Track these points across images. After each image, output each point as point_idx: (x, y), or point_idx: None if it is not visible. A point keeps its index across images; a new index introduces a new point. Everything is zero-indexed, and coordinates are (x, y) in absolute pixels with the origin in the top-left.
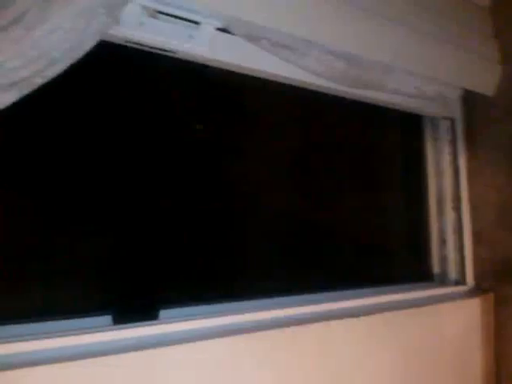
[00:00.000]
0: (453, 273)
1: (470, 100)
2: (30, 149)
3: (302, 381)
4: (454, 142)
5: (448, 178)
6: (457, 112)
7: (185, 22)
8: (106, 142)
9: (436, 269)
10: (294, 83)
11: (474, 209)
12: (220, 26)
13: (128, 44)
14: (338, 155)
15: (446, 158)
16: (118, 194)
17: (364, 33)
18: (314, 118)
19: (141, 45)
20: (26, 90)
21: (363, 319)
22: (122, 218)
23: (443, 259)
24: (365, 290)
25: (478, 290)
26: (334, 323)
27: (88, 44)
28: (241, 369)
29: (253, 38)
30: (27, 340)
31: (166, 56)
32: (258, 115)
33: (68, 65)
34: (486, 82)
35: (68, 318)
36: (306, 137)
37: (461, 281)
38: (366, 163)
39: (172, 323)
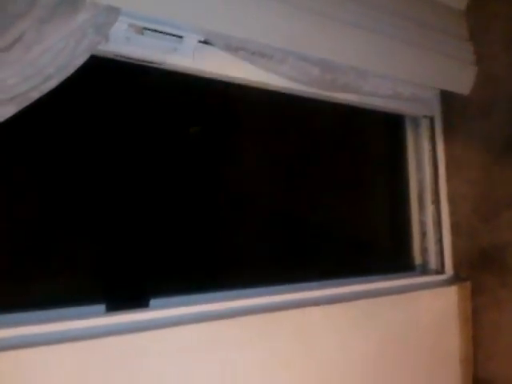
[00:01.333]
0: (433, 263)
1: (447, 98)
2: (28, 155)
3: (284, 364)
4: (433, 139)
5: (428, 173)
6: (436, 110)
7: (169, 37)
8: (100, 145)
9: (418, 259)
10: (274, 89)
11: (451, 202)
12: (201, 39)
13: (117, 58)
14: (325, 154)
15: (426, 155)
16: (110, 190)
17: (337, 40)
18: (303, 120)
19: (129, 58)
20: (23, 103)
21: (342, 306)
22: (114, 215)
23: (424, 250)
24: (350, 280)
25: (456, 279)
26: (311, 309)
27: (79, 60)
28: (225, 350)
29: (231, 48)
30: (30, 325)
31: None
32: (248, 119)
33: (62, 79)
34: (461, 83)
35: (65, 307)
36: (295, 137)
37: (440, 270)
38: (352, 161)
39: (161, 310)
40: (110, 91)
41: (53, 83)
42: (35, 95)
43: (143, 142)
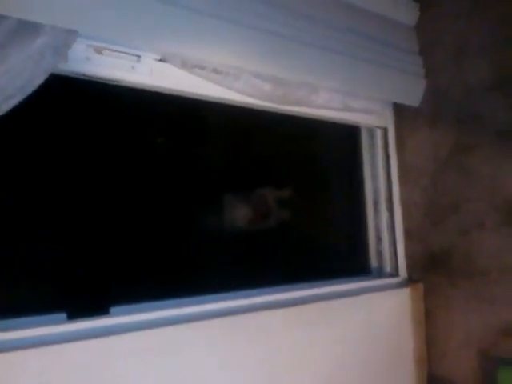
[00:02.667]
0: (388, 266)
1: (399, 109)
2: None
3: (242, 364)
4: (386, 149)
5: (382, 181)
6: (388, 121)
7: (127, 56)
8: (61, 154)
9: (374, 263)
10: (231, 103)
11: (404, 208)
12: (158, 57)
13: (76, 76)
14: (286, 162)
15: (381, 163)
16: (71, 199)
17: (288, 57)
18: (262, 131)
19: (88, 76)
20: None
21: (299, 308)
22: (74, 224)
23: (379, 254)
24: (307, 284)
25: (409, 281)
26: (267, 313)
27: (38, 80)
28: (186, 352)
29: (187, 66)
30: None
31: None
32: (209, 130)
33: (21, 99)
34: (411, 95)
35: (27, 315)
36: (255, 148)
37: (395, 273)
38: (312, 169)
39: (121, 316)
40: (71, 108)
41: (13, 102)
42: None
43: (101, 153)
